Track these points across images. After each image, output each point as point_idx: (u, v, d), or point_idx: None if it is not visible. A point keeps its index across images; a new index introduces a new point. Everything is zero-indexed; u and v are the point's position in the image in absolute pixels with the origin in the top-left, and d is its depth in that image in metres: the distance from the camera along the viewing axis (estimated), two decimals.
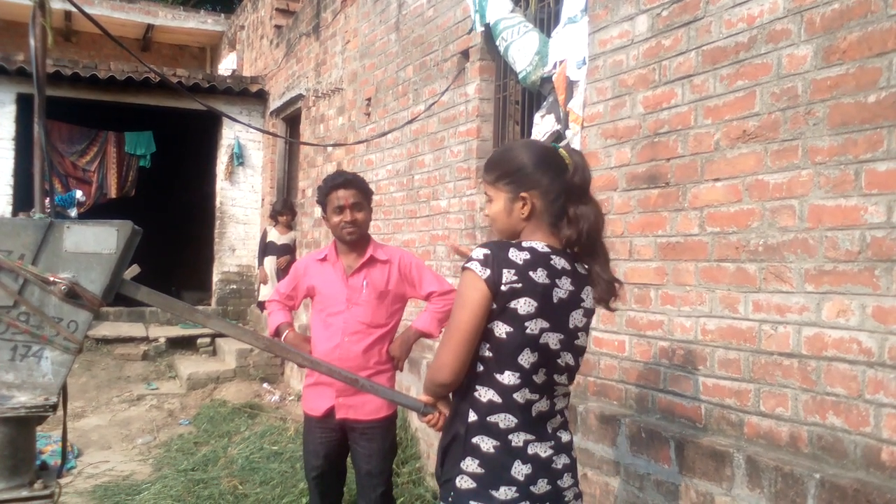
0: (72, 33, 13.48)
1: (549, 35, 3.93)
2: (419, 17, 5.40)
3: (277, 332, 3.28)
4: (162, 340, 8.64)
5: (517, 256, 1.80)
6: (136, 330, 8.79)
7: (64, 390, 2.06)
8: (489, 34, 4.43)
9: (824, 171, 2.41)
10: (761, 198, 2.62)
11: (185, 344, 8.79)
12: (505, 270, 1.77)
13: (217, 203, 10.08)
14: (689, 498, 2.70)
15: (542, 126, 3.96)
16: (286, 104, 8.91)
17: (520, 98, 4.49)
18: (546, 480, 1.85)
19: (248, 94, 9.85)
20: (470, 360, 1.82)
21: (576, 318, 1.88)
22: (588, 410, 3.26)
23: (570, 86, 3.66)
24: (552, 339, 1.83)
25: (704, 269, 2.85)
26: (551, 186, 1.86)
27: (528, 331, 1.79)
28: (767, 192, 2.60)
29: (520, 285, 1.77)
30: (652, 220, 3.12)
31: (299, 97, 8.37)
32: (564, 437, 1.94)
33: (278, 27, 9.60)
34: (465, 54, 4.79)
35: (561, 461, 1.89)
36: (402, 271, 3.24)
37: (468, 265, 1.80)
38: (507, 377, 1.81)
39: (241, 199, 10.14)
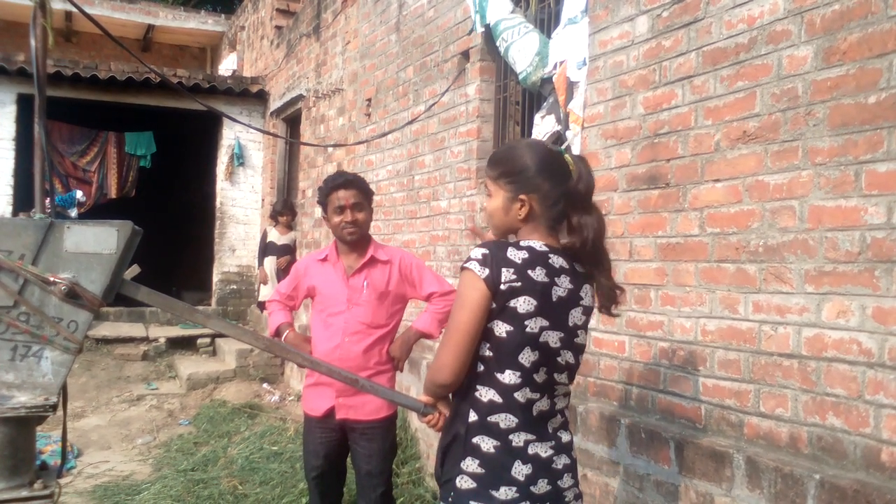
0: (72, 34, 13.49)
1: (549, 36, 3.93)
2: (419, 17, 5.41)
3: (278, 332, 3.28)
4: (162, 340, 8.64)
5: (516, 255, 1.81)
6: (136, 330, 8.80)
7: (64, 390, 2.06)
8: (489, 35, 4.43)
9: (824, 171, 2.41)
10: (761, 198, 2.62)
11: (185, 344, 8.80)
12: (504, 269, 1.78)
13: (217, 203, 10.09)
14: (689, 498, 2.70)
15: (543, 127, 3.96)
16: (286, 104, 8.92)
17: (520, 99, 4.49)
18: (546, 481, 1.85)
19: (248, 94, 9.85)
20: (470, 360, 1.82)
21: (575, 316, 1.88)
22: (588, 411, 3.26)
23: (571, 86, 3.66)
24: (552, 338, 1.83)
25: (704, 270, 2.85)
26: (551, 192, 1.86)
27: (527, 329, 1.79)
28: (768, 193, 2.60)
29: (519, 284, 1.78)
30: (652, 221, 3.12)
31: (300, 98, 8.37)
32: (565, 437, 1.94)
33: (279, 28, 9.61)
34: (465, 55, 4.79)
35: (561, 461, 1.90)
36: (403, 272, 3.24)
37: (467, 265, 1.81)
38: (508, 376, 1.81)
39: (242, 200, 10.14)
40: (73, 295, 1.97)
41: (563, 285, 1.85)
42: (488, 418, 1.83)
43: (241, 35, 11.90)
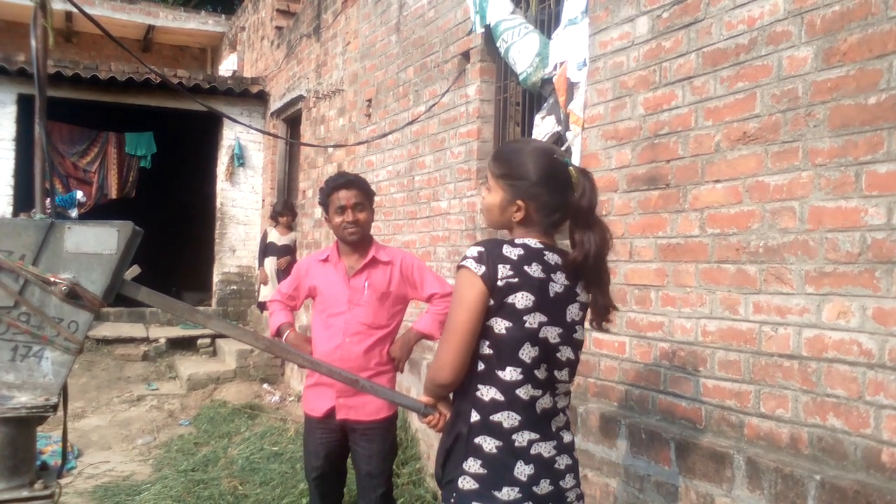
0: (73, 34, 13.49)
1: (549, 36, 3.93)
2: (420, 18, 5.41)
3: (279, 333, 3.28)
4: (162, 341, 8.64)
5: (511, 252, 1.81)
6: (136, 330, 8.80)
7: (64, 390, 2.07)
8: (490, 36, 4.43)
9: (825, 172, 2.41)
10: (762, 199, 2.62)
11: (185, 344, 8.80)
12: (500, 266, 1.78)
13: (217, 204, 10.09)
14: (690, 499, 2.70)
15: (543, 127, 3.96)
16: (287, 105, 8.92)
17: (520, 99, 4.49)
18: (549, 481, 1.85)
19: (248, 95, 9.86)
20: (469, 358, 1.83)
21: (572, 312, 1.89)
22: (588, 412, 3.26)
23: (571, 87, 3.66)
24: (551, 333, 1.83)
25: (705, 271, 2.85)
26: (550, 202, 1.86)
27: (527, 325, 1.79)
28: (768, 194, 2.60)
29: (516, 280, 1.78)
30: (652, 222, 3.12)
31: (300, 98, 8.37)
32: (567, 437, 1.94)
33: (279, 28, 9.61)
34: (465, 56, 4.79)
35: (563, 462, 1.90)
36: (404, 273, 3.24)
37: (463, 263, 1.81)
38: (510, 373, 1.81)
39: (242, 200, 10.14)
40: (74, 295, 1.97)
41: (559, 281, 1.85)
42: (491, 417, 1.83)
43: (241, 35, 11.90)
